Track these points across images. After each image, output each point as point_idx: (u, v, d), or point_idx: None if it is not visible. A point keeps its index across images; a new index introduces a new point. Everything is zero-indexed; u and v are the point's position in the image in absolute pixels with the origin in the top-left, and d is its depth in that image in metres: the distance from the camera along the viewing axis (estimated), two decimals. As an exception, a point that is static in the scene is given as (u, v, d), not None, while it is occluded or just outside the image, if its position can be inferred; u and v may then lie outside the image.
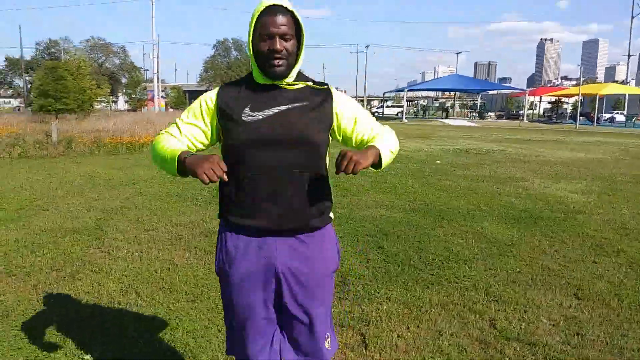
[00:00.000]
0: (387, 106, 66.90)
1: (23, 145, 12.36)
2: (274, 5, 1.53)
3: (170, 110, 47.75)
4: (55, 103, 26.38)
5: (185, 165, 1.45)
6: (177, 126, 1.66)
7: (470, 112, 52.64)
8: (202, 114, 1.64)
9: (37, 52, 56.12)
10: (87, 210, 6.11)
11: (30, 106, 31.31)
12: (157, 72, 43.20)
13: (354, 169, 1.40)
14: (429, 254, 4.51)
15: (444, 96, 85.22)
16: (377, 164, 1.56)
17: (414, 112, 59.20)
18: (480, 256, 4.48)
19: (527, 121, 42.92)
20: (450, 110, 56.41)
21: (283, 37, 1.54)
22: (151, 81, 47.90)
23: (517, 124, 38.54)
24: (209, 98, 1.64)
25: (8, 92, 67.94)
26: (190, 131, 1.64)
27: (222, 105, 1.61)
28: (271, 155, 1.57)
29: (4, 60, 57.09)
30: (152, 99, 47.15)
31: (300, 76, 1.67)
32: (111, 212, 6.04)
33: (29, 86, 45.09)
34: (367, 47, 64.74)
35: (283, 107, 1.59)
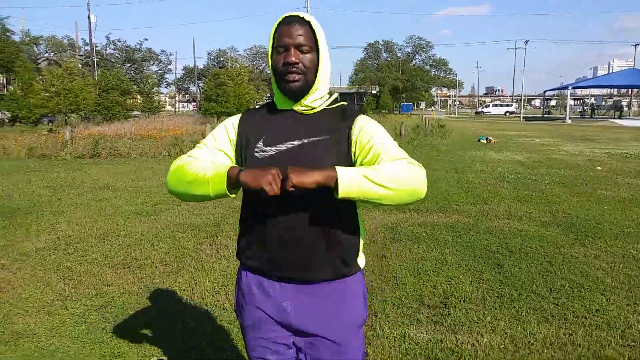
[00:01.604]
0: (495, 105, 65.66)
1: (180, 144, 13.71)
2: (290, 15, 1.41)
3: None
4: (216, 106, 29.07)
5: (239, 179, 1.31)
6: (207, 149, 1.52)
7: (652, 111, 45.54)
8: (225, 141, 1.53)
9: (209, 61, 62.70)
10: (214, 207, 6.44)
11: (200, 109, 34.99)
12: (310, 75, 45.25)
13: (284, 185, 1.24)
14: (557, 279, 3.82)
15: (619, 94, 75.23)
16: (333, 188, 1.27)
17: (580, 111, 53.04)
18: (626, 286, 3.66)
19: None
20: (626, 109, 49.39)
21: (299, 48, 1.38)
22: (305, 85, 50.41)
23: None
24: (232, 125, 1.53)
25: (185, 97, 77.12)
26: (219, 158, 1.51)
27: (241, 136, 1.50)
28: (283, 194, 1.35)
29: (182, 69, 64.97)
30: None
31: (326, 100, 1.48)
32: (234, 210, 6.28)
33: (200, 91, 50.47)
34: (526, 42, 59.66)
35: (297, 142, 1.42)
